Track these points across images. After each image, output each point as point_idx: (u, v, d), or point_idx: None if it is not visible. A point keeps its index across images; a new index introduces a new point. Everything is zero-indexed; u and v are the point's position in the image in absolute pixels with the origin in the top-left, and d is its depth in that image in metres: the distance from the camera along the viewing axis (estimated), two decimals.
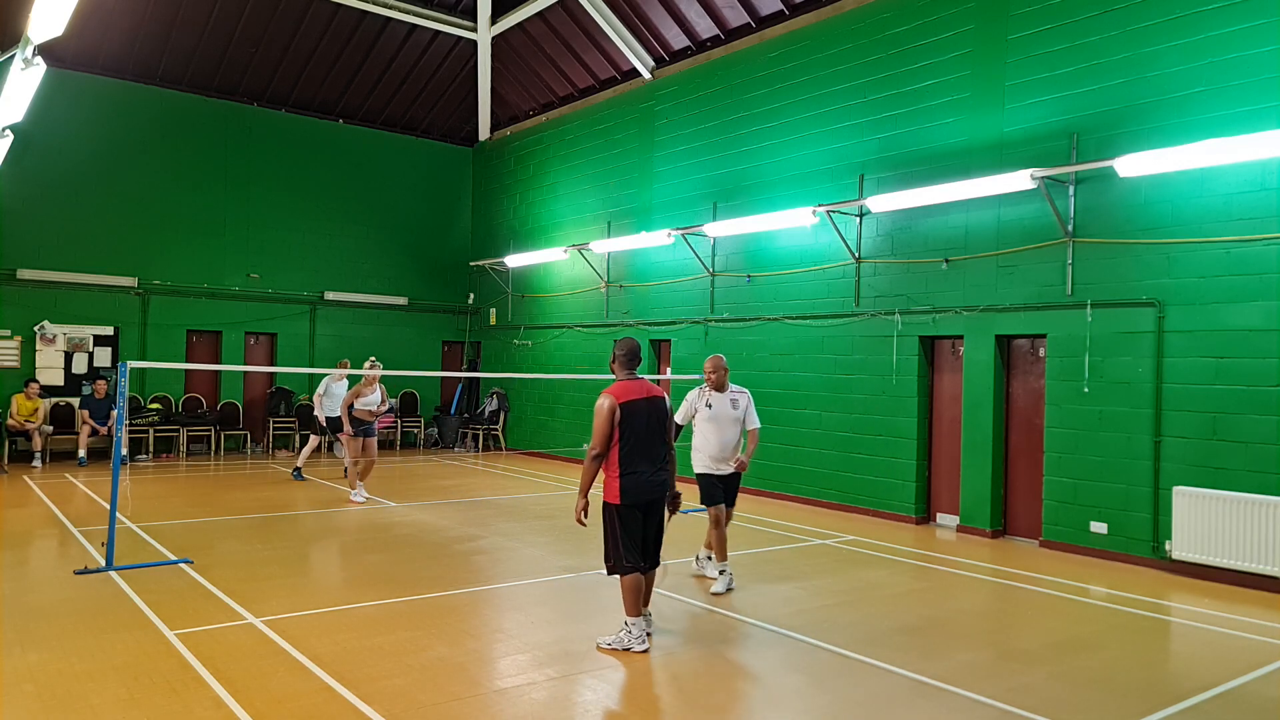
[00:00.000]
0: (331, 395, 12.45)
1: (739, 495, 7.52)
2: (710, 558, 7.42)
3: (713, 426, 7.07)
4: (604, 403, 5.42)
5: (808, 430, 11.53)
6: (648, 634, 5.59)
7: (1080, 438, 8.89)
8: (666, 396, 5.81)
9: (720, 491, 7.11)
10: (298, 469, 13.05)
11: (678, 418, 7.04)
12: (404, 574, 7.42)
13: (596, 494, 5.54)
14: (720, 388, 7.13)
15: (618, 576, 5.57)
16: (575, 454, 15.68)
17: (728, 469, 7.10)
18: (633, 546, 5.48)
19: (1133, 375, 8.52)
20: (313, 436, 13.40)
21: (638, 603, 5.53)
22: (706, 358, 7.23)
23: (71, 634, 5.59)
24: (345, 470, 12.12)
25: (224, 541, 8.55)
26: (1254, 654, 5.81)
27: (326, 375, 12.60)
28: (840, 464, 11.14)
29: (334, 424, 12.41)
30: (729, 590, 7.01)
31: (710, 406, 7.09)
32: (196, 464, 14.53)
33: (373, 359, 11.70)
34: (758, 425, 7.30)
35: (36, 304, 14.47)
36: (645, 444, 5.49)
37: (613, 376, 5.72)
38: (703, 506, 7.20)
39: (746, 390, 7.37)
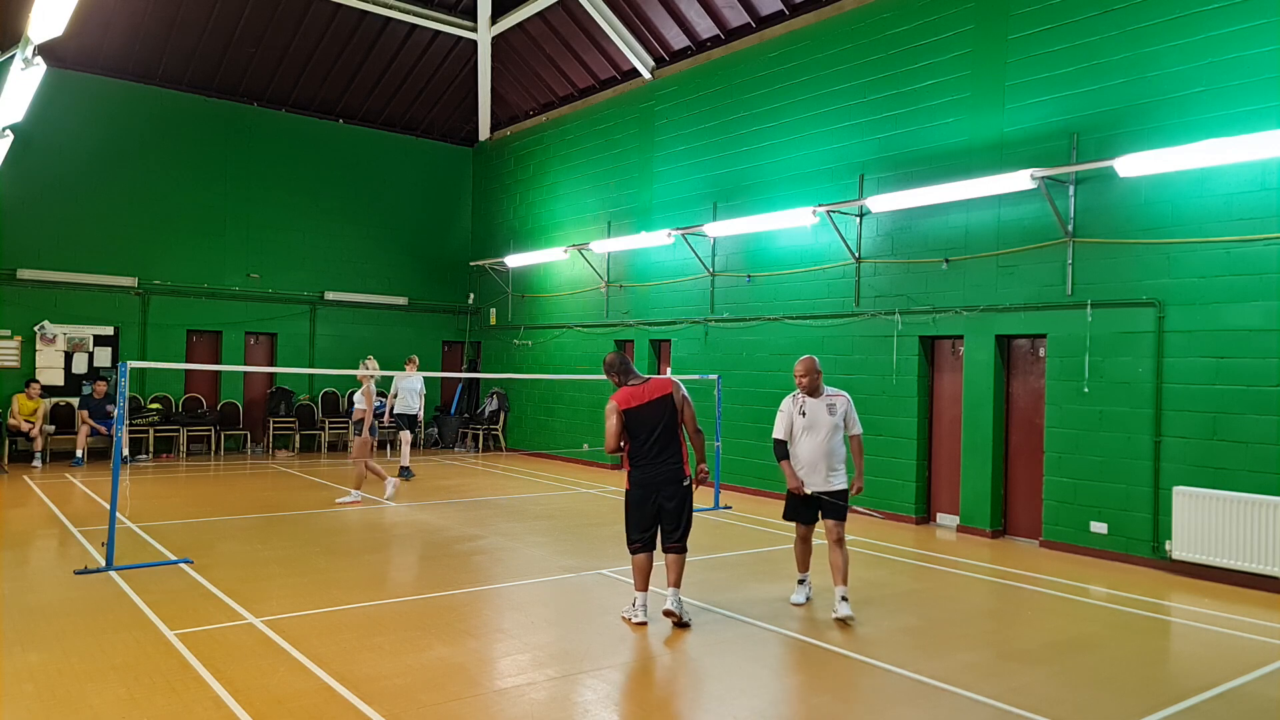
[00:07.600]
0: (402, 391, 13.33)
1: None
2: (843, 598, 6.37)
3: (807, 436, 6.52)
4: (609, 408, 6.11)
5: None
6: (678, 615, 6.03)
7: (1080, 438, 8.88)
8: (678, 384, 6.23)
9: (802, 509, 6.62)
10: (405, 468, 13.28)
11: (777, 432, 6.63)
12: (404, 574, 7.42)
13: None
14: (814, 392, 6.56)
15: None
16: (575, 454, 15.68)
17: (818, 482, 6.51)
18: (639, 528, 6.11)
19: (1133, 375, 8.52)
20: (404, 434, 13.49)
21: (642, 580, 6.15)
22: (797, 359, 6.66)
23: (71, 634, 5.58)
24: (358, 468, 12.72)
25: (224, 541, 8.55)
26: (1254, 654, 5.80)
27: (394, 375, 13.46)
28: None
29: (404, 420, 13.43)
30: (807, 601, 6.73)
31: (804, 415, 6.53)
32: (196, 464, 14.53)
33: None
34: (859, 431, 6.76)
35: (36, 304, 14.47)
36: (652, 441, 6.07)
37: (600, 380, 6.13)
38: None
39: (845, 393, 6.76)
